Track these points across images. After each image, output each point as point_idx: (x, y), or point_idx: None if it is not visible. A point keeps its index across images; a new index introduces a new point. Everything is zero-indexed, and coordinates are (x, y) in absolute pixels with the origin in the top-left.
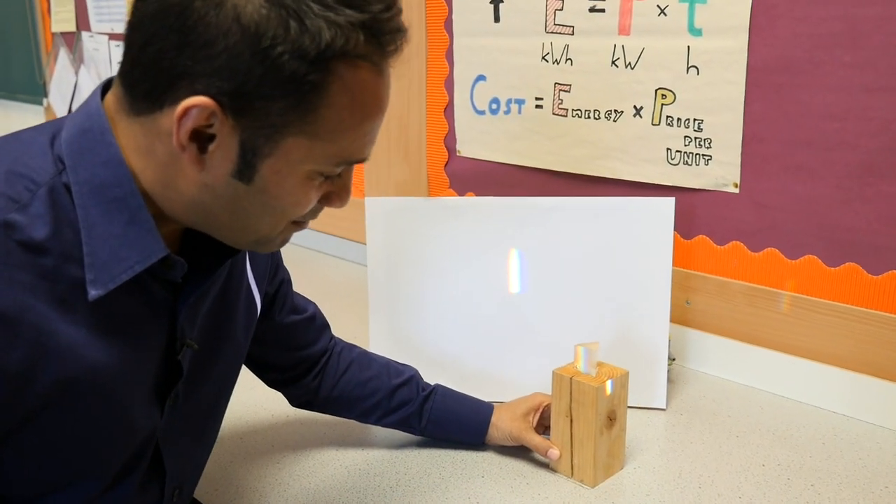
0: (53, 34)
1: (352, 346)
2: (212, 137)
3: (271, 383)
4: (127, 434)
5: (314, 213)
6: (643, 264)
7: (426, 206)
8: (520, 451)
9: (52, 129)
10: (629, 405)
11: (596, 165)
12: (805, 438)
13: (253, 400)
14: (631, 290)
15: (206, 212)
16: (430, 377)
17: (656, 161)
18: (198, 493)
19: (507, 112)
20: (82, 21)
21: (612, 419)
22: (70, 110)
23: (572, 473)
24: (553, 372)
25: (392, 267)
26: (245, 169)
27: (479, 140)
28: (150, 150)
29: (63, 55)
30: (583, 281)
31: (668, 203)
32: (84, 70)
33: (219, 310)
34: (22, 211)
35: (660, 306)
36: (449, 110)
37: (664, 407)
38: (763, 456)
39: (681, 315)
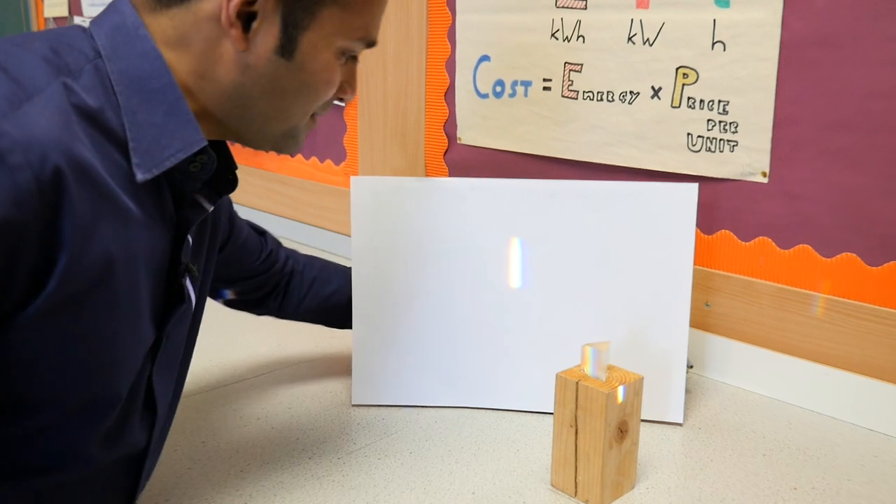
0: (46, 19)
1: (312, 261)
2: (254, 15)
3: (235, 305)
4: (136, 344)
5: (328, 106)
6: (661, 258)
7: (420, 188)
8: (516, 465)
9: (80, 27)
10: (641, 419)
11: (609, 152)
12: (842, 459)
13: (220, 399)
14: (646, 288)
15: (243, 98)
16: (420, 380)
17: (676, 147)
18: (149, 501)
19: (513, 95)
20: (74, 6)
21: (623, 431)
22: None
23: (576, 492)
24: (557, 375)
25: (379, 257)
26: (287, 43)
27: (481, 126)
28: (184, 41)
29: None
30: (592, 275)
31: (690, 189)
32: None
33: (200, 241)
34: (76, 78)
35: (679, 307)
36: (450, 94)
37: (681, 421)
38: (794, 478)
39: (700, 318)
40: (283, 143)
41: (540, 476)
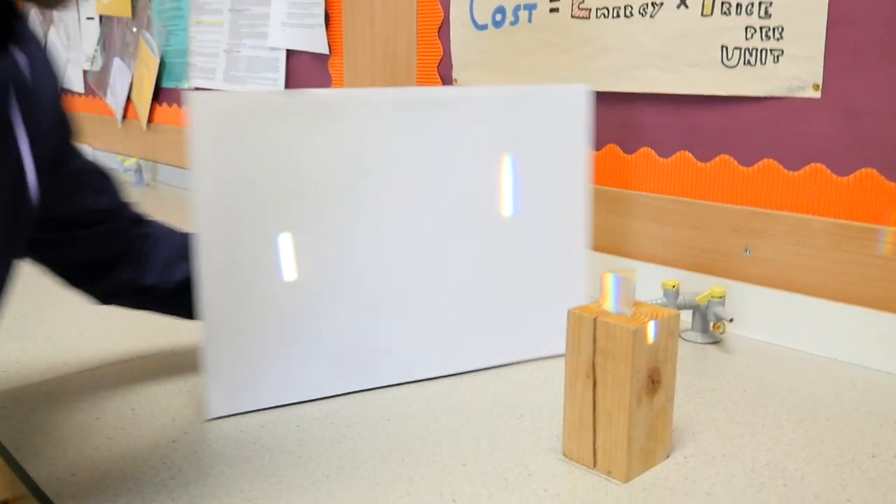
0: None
1: (171, 230)
2: None
3: (74, 275)
4: None
5: None
6: (556, 175)
7: (285, 105)
8: (519, 431)
9: None
10: (528, 357)
11: (627, 77)
12: None
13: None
14: (543, 210)
15: None
16: (303, 370)
17: (707, 64)
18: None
19: (515, 22)
20: None
21: (654, 381)
22: None
23: (595, 462)
24: (569, 312)
25: (234, 209)
26: None
27: (480, 62)
28: None
29: (33, 18)
30: (488, 203)
31: (580, 92)
32: (53, 31)
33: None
34: None
35: (575, 227)
36: (444, 30)
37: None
38: (870, 444)
39: (739, 267)
40: None
41: (548, 442)
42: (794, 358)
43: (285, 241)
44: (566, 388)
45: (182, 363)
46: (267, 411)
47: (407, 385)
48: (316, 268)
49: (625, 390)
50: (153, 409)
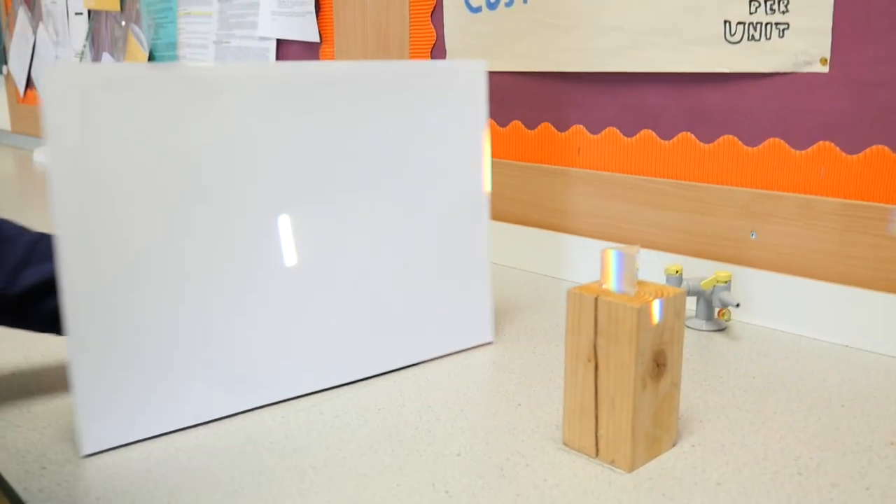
0: None
1: (21, 233)
2: None
3: None
4: None
5: None
6: (455, 154)
7: (144, 79)
8: (516, 419)
9: None
10: (451, 350)
11: (626, 58)
12: None
13: None
14: (443, 193)
15: None
16: (187, 392)
17: (710, 40)
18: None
19: (510, 3)
20: None
21: (660, 365)
22: (29, 75)
23: (597, 451)
24: (569, 291)
25: (92, 191)
26: None
27: (474, 46)
28: None
29: (22, 14)
30: (386, 188)
31: (478, 66)
32: (42, 28)
33: None
34: None
35: (477, 211)
36: (437, 14)
37: (492, 340)
38: (889, 431)
39: (744, 251)
40: None
41: (547, 431)
42: (803, 345)
43: (156, 242)
44: (566, 374)
45: (55, 382)
46: (156, 440)
47: (384, 376)
48: (198, 273)
49: (629, 374)
50: (18, 443)
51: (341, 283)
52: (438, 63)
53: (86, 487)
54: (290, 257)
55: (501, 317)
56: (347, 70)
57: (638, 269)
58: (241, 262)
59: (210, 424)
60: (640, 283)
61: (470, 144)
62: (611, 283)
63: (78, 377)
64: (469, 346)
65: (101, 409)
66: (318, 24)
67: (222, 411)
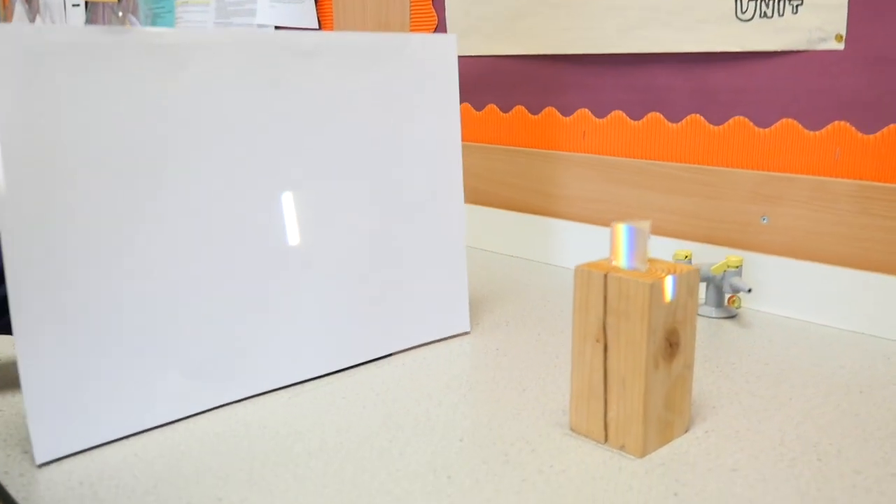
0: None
1: None
2: None
3: None
4: None
5: None
6: (425, 130)
7: (101, 45)
8: (521, 404)
9: None
10: (429, 339)
11: (634, 38)
12: None
13: None
14: (417, 173)
15: None
16: (150, 388)
17: (720, 18)
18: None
19: None
20: None
21: (673, 344)
22: None
23: (606, 436)
24: (576, 268)
25: (46, 185)
26: None
27: (477, 28)
28: None
29: (20, 7)
30: (350, 166)
31: (448, 39)
32: (39, 20)
33: None
34: None
35: (452, 197)
36: None
37: (468, 329)
38: None
39: (755, 236)
40: None
41: (553, 416)
42: (817, 332)
43: (122, 223)
44: (573, 355)
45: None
46: (122, 443)
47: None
48: (163, 259)
49: (640, 354)
50: None
51: (316, 271)
52: (412, 35)
53: (39, 501)
54: (256, 245)
55: (507, 303)
56: (319, 40)
57: (649, 246)
58: (209, 247)
59: (183, 422)
60: (652, 261)
61: (442, 122)
62: (621, 260)
63: (27, 378)
64: (448, 335)
65: (57, 412)
66: (318, 9)
67: (196, 407)
